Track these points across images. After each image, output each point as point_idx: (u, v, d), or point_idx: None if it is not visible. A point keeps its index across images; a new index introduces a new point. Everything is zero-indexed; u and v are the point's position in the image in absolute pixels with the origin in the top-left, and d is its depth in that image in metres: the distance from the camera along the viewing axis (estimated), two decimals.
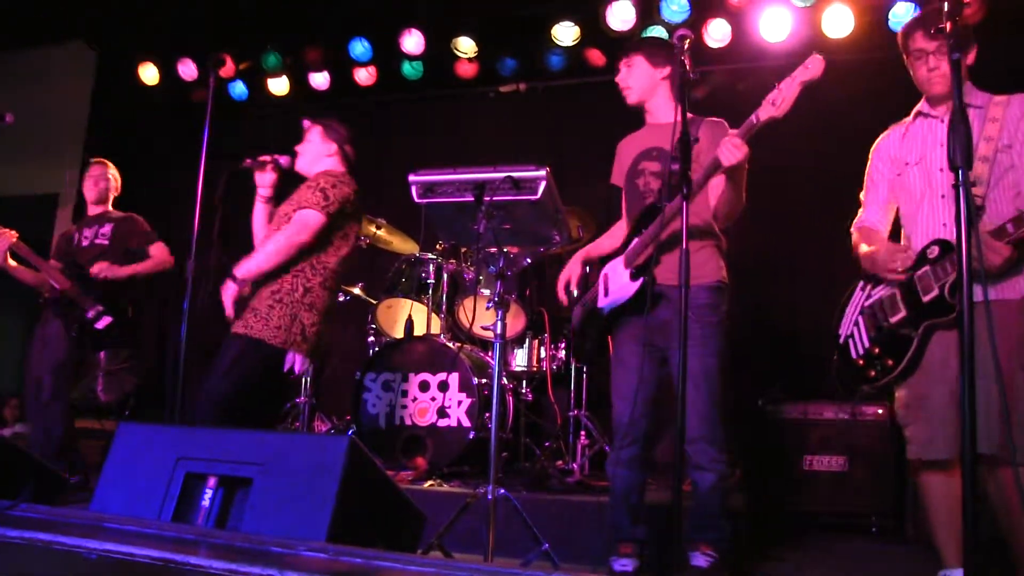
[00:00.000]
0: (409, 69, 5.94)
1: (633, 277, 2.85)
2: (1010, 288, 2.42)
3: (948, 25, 1.90)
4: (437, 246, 4.78)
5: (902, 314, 2.53)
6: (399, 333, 4.86)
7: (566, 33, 5.48)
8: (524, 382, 4.76)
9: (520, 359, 4.77)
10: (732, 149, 2.50)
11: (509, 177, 2.70)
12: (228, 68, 5.98)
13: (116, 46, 6.61)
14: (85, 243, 4.55)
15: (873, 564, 3.51)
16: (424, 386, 4.31)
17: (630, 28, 5.16)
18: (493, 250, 2.94)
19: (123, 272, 4.38)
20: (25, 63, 6.98)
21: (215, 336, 3.27)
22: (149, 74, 6.30)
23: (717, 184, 2.76)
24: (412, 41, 5.70)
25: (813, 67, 2.37)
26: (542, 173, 2.71)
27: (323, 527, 1.93)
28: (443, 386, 4.28)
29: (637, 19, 5.14)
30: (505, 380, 4.46)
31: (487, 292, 4.50)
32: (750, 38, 5.05)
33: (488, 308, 2.89)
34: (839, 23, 4.86)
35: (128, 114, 6.58)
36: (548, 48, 5.57)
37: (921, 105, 2.66)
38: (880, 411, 3.93)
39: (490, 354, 4.26)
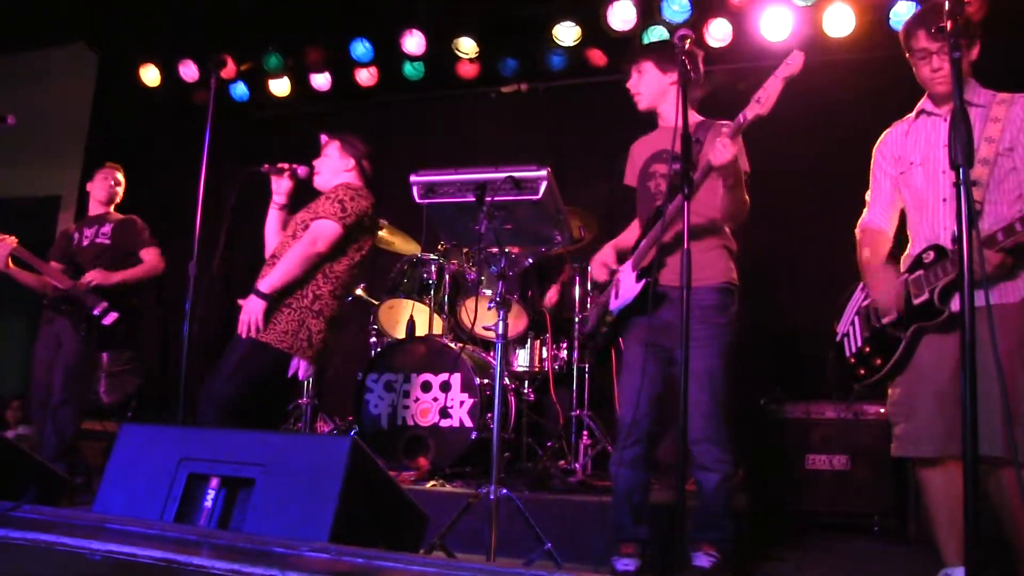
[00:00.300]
0: (410, 70, 5.94)
1: (638, 279, 2.86)
2: (1010, 292, 2.42)
3: (949, 24, 1.89)
4: (439, 246, 4.78)
5: (893, 316, 2.54)
6: (401, 334, 4.86)
7: (567, 33, 5.48)
8: (526, 382, 4.76)
9: (522, 359, 4.77)
10: (721, 149, 2.51)
11: (510, 177, 2.70)
12: (229, 69, 5.97)
13: (117, 48, 6.61)
14: (85, 242, 4.54)
15: (875, 564, 3.51)
16: (426, 386, 4.31)
17: (631, 28, 5.15)
18: (494, 250, 2.94)
19: (113, 279, 4.37)
20: (26, 65, 6.98)
21: (217, 338, 3.27)
22: (150, 75, 6.30)
23: (719, 185, 2.76)
24: (413, 42, 5.70)
25: (793, 63, 2.42)
26: (543, 173, 2.71)
27: (325, 528, 1.93)
28: (445, 386, 4.28)
29: (638, 19, 5.13)
30: (507, 380, 4.45)
31: (489, 292, 4.50)
32: (751, 38, 5.04)
33: (490, 308, 2.89)
34: (840, 22, 4.86)
35: (129, 115, 6.57)
36: (549, 48, 5.56)
37: (924, 103, 2.65)
38: (882, 410, 3.92)
39: (492, 354, 4.27)
